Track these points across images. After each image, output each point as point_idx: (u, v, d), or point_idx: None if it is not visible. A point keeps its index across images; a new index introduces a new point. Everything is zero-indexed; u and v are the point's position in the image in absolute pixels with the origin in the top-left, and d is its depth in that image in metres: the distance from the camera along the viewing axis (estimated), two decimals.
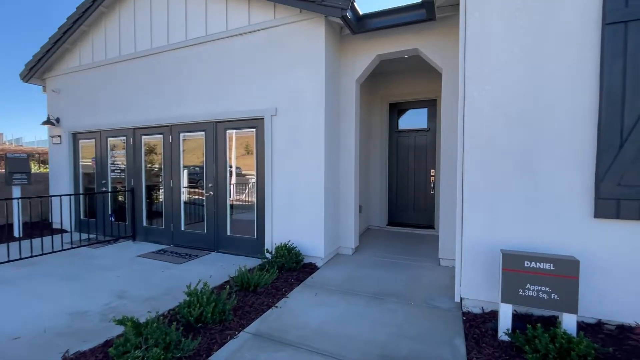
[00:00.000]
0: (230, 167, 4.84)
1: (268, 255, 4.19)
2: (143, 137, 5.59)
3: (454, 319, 2.74)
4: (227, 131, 4.80)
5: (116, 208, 6.02)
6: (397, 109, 6.49)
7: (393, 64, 5.68)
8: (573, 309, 2.19)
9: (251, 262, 4.32)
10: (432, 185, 6.17)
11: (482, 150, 2.76)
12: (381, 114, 6.48)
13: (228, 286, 3.06)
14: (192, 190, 5.26)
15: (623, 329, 2.41)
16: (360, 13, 4.18)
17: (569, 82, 2.50)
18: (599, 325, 2.47)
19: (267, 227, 4.46)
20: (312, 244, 4.19)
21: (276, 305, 3.03)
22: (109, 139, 6.01)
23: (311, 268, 4.05)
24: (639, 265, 2.36)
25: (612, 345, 2.24)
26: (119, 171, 5.94)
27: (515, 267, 2.33)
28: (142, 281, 3.70)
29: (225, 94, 4.68)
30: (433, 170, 6.16)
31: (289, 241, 4.19)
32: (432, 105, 6.15)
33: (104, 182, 6.11)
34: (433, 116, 6.16)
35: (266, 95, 4.40)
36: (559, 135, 2.53)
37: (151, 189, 5.64)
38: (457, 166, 2.98)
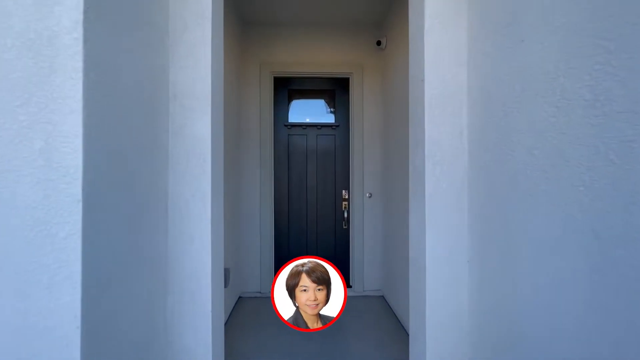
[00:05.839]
0: None
1: None
2: None
3: None
4: None
5: None
6: (287, 89, 3.93)
7: (284, 5, 3.15)
8: None
9: None
10: (344, 215, 3.85)
11: None
12: (261, 93, 3.77)
13: None
14: None
15: None
16: None
17: None
18: None
19: None
20: None
21: None
22: None
23: None
24: None
25: None
26: None
27: None
28: None
29: None
30: (346, 192, 3.86)
31: None
32: (342, 87, 3.90)
33: None
34: (344, 105, 3.91)
35: None
36: None
37: None
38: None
